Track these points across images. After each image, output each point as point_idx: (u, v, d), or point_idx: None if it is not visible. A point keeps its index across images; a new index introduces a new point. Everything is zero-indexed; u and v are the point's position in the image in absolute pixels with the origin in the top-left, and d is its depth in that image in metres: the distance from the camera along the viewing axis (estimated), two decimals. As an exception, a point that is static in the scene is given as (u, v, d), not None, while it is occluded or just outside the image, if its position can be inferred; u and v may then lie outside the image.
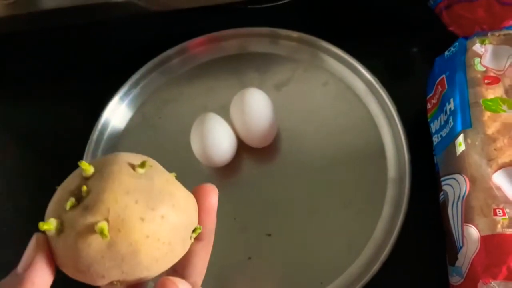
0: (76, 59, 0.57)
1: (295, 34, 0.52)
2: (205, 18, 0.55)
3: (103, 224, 0.22)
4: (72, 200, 0.23)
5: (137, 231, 0.23)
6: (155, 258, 0.24)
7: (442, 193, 0.40)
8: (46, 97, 0.55)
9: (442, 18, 0.46)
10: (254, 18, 0.55)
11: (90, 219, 0.22)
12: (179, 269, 0.27)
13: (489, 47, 0.42)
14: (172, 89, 0.52)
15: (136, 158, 0.25)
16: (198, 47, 0.54)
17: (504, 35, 0.42)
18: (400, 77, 0.53)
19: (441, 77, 0.44)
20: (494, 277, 0.33)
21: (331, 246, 0.43)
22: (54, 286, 0.24)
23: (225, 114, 0.46)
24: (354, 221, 0.44)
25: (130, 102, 0.52)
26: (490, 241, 0.35)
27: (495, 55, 0.41)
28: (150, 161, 0.25)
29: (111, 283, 0.24)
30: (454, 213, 0.38)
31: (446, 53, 0.45)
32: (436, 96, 0.44)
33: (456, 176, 0.38)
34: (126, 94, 0.52)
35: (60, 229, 0.23)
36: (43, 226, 0.23)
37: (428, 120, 0.45)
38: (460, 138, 0.39)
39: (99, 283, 0.24)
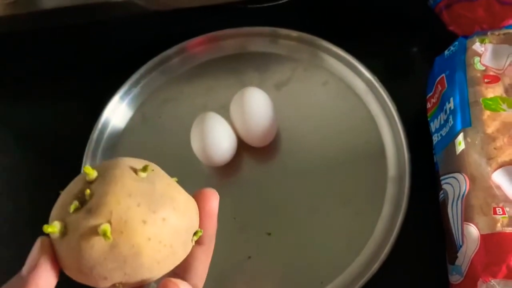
0: (76, 58, 0.57)
1: (294, 33, 0.52)
2: (205, 18, 0.55)
3: (106, 226, 0.22)
4: (75, 203, 0.24)
5: (139, 234, 0.23)
6: (157, 260, 0.24)
7: (442, 192, 0.40)
8: (46, 97, 0.55)
9: (442, 17, 0.46)
10: (254, 17, 0.55)
11: (93, 221, 0.23)
12: (180, 272, 0.27)
13: (489, 46, 0.42)
14: (172, 89, 0.52)
15: (138, 163, 0.25)
16: (198, 46, 0.54)
17: (504, 34, 0.42)
18: (400, 77, 0.53)
19: (441, 76, 0.44)
20: (494, 276, 0.33)
21: (331, 245, 0.43)
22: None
23: (225, 113, 0.46)
24: (354, 220, 0.44)
25: (130, 101, 0.52)
26: (489, 240, 0.35)
27: (495, 54, 0.41)
28: (152, 166, 0.26)
29: (114, 285, 0.24)
30: (454, 212, 0.38)
31: (446, 52, 0.45)
32: (436, 95, 0.44)
33: (456, 175, 0.38)
34: (126, 93, 0.52)
35: (64, 232, 0.23)
36: (47, 228, 0.23)
37: (428, 119, 0.45)
38: (460, 137, 0.39)
39: (101, 285, 0.24)
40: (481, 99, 0.39)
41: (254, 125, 0.45)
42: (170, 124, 0.50)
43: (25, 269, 0.24)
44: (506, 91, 0.40)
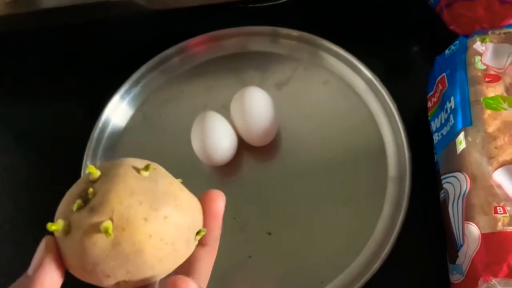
0: (76, 58, 0.57)
1: (295, 32, 0.52)
2: (205, 17, 0.55)
3: (108, 223, 0.23)
4: (78, 202, 0.24)
5: (141, 231, 0.23)
6: (159, 257, 0.24)
7: (442, 191, 0.40)
8: (47, 96, 0.55)
9: (443, 17, 0.46)
10: (254, 17, 0.55)
11: (95, 218, 0.23)
12: (183, 273, 0.27)
13: (490, 46, 0.42)
14: (173, 88, 0.52)
15: (141, 162, 0.26)
16: (198, 46, 0.54)
17: (505, 33, 0.42)
18: (400, 76, 0.53)
19: (441, 76, 0.44)
20: (495, 275, 0.33)
21: (332, 245, 0.43)
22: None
23: (225, 113, 0.46)
24: (355, 219, 0.44)
25: (131, 100, 0.52)
26: (490, 239, 0.35)
27: (496, 53, 0.41)
28: (154, 165, 0.26)
29: (117, 283, 0.24)
30: (454, 211, 0.38)
31: (447, 51, 0.45)
32: (437, 95, 0.44)
33: (457, 174, 0.38)
34: (126, 92, 0.52)
35: (67, 230, 0.24)
36: (51, 226, 0.24)
37: (429, 118, 0.45)
38: (461, 136, 0.39)
39: (105, 284, 0.24)
40: (482, 98, 0.39)
41: (255, 125, 0.45)
42: (171, 123, 0.50)
43: (30, 269, 0.24)
44: (507, 90, 0.40)
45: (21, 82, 0.57)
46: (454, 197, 0.38)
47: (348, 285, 0.41)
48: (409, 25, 0.54)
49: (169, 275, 0.25)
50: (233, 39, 0.54)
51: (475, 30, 0.44)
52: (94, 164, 0.23)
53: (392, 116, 0.47)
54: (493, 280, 0.33)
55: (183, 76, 0.53)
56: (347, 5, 0.56)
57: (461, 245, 0.36)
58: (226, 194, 0.27)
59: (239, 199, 0.46)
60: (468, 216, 0.36)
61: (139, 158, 0.26)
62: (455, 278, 0.37)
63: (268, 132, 0.46)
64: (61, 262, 0.24)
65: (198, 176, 0.47)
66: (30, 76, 0.57)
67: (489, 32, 0.42)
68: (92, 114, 0.50)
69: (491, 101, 0.39)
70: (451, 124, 0.41)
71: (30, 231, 0.48)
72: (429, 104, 0.45)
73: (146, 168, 0.25)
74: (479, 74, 0.41)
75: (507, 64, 0.41)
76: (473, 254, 0.35)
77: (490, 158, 0.37)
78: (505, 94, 0.40)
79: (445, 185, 0.40)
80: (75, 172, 0.48)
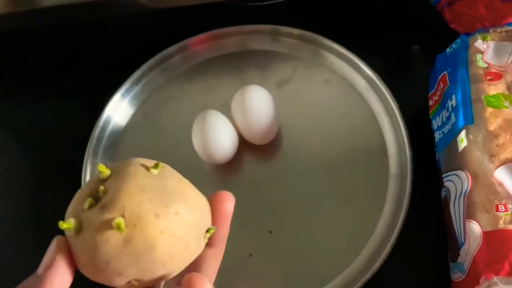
0: (76, 57, 0.57)
1: (296, 31, 0.52)
2: (206, 16, 0.55)
3: (120, 220, 0.23)
4: (89, 200, 0.24)
5: (152, 227, 0.23)
6: (170, 254, 0.24)
7: (444, 189, 0.40)
8: (47, 95, 0.55)
9: (444, 15, 0.46)
10: (255, 15, 0.55)
11: (107, 216, 0.23)
12: None
13: (491, 44, 0.42)
14: (173, 87, 0.52)
15: (150, 161, 0.26)
16: (199, 44, 0.53)
17: (506, 31, 0.42)
18: (401, 75, 0.53)
19: (442, 74, 0.43)
20: (496, 273, 0.33)
21: (333, 243, 0.43)
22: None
23: (226, 111, 0.46)
24: (356, 218, 0.44)
25: (131, 99, 0.52)
26: (492, 237, 0.35)
27: (497, 52, 0.41)
28: (163, 164, 0.26)
29: (129, 282, 0.24)
30: (456, 209, 0.38)
31: (448, 49, 0.45)
32: (438, 93, 0.44)
33: (458, 172, 0.38)
34: (127, 91, 0.51)
35: (79, 228, 0.24)
36: (62, 225, 0.24)
37: (430, 116, 0.45)
38: (462, 134, 0.39)
39: (116, 283, 0.24)
40: (483, 96, 0.39)
41: (255, 123, 0.45)
42: (171, 122, 0.50)
43: (41, 268, 0.24)
44: (508, 88, 0.40)
45: (21, 81, 0.57)
46: (456, 195, 0.38)
47: (349, 283, 0.41)
48: (409, 23, 0.54)
49: (178, 275, 0.25)
50: (233, 37, 0.53)
51: (476, 28, 0.44)
52: (104, 164, 0.23)
53: (393, 115, 0.47)
54: (494, 278, 0.33)
55: (184, 74, 0.53)
56: (347, 3, 0.56)
57: (463, 243, 0.36)
58: (226, 193, 0.27)
59: (240, 197, 0.45)
60: (469, 214, 0.36)
61: (140, 157, 0.27)
62: (457, 276, 0.37)
63: (269, 130, 0.46)
64: (71, 261, 0.24)
65: (199, 175, 0.47)
66: (30, 75, 0.57)
67: (491, 30, 0.42)
68: (92, 113, 0.50)
69: (492, 99, 0.39)
70: (452, 122, 0.41)
71: (30, 231, 0.48)
72: (430, 103, 0.45)
73: (156, 166, 0.25)
74: (481, 72, 0.41)
75: (508, 62, 0.41)
76: (475, 252, 0.35)
77: (492, 156, 0.37)
78: (506, 92, 0.40)
79: (446, 184, 0.40)
80: (75, 171, 0.47)
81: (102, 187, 0.24)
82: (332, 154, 0.47)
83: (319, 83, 0.51)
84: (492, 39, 0.42)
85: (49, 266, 0.24)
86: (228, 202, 0.27)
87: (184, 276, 0.24)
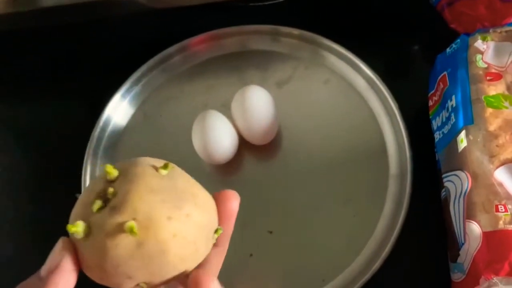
0: (77, 57, 0.57)
1: (296, 31, 0.52)
2: (206, 16, 0.55)
3: (132, 223, 0.22)
4: (98, 202, 0.24)
5: (165, 230, 0.23)
6: (182, 257, 0.24)
7: (443, 189, 0.40)
8: (47, 95, 0.55)
9: (444, 15, 0.46)
10: (255, 15, 0.55)
11: (118, 219, 0.23)
12: None
13: (491, 44, 0.42)
14: (173, 87, 0.52)
15: (158, 161, 0.26)
16: (199, 45, 0.53)
17: (506, 31, 0.42)
18: (401, 75, 0.53)
19: (442, 74, 0.43)
20: (496, 273, 0.33)
21: (333, 243, 0.43)
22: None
23: (226, 111, 0.46)
24: (356, 218, 0.44)
25: (132, 99, 0.52)
26: (492, 237, 0.35)
27: (497, 52, 0.41)
28: (171, 164, 0.26)
29: (137, 285, 0.24)
30: (456, 210, 0.38)
31: (448, 50, 0.45)
32: (438, 93, 0.44)
33: (458, 172, 0.38)
34: (127, 92, 0.51)
35: (88, 232, 0.23)
36: (71, 228, 0.23)
37: (430, 117, 0.45)
38: (462, 134, 0.39)
39: (125, 286, 0.24)
40: (483, 97, 0.39)
41: (255, 123, 0.45)
42: (171, 122, 0.50)
43: (44, 270, 0.23)
44: (508, 88, 0.40)
45: (21, 81, 0.57)
46: (455, 196, 0.38)
47: (350, 283, 0.41)
48: (409, 24, 0.54)
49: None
50: (233, 37, 0.53)
51: (476, 28, 0.44)
52: (112, 164, 0.22)
53: (393, 115, 0.47)
54: (494, 278, 0.33)
55: (184, 75, 0.53)
56: (347, 3, 0.56)
57: (463, 244, 0.36)
58: (226, 193, 0.27)
59: (240, 197, 0.45)
60: (469, 215, 0.36)
61: (148, 157, 0.26)
62: (456, 276, 0.37)
63: (269, 131, 0.46)
64: (77, 264, 0.24)
65: (199, 175, 0.45)
66: (31, 75, 0.57)
67: (490, 31, 0.42)
68: (92, 113, 0.50)
69: (492, 100, 0.39)
70: (452, 123, 0.41)
71: (30, 231, 0.48)
72: (430, 103, 0.45)
73: (165, 166, 0.25)
74: (481, 72, 0.41)
75: (508, 63, 0.41)
76: (475, 253, 0.35)
77: (492, 156, 0.37)
78: (506, 93, 0.40)
79: (446, 184, 0.40)
80: (75, 171, 0.47)
81: (111, 189, 0.24)
82: (332, 154, 0.47)
83: (319, 83, 0.51)
84: (492, 39, 0.42)
85: (54, 269, 0.23)
86: (234, 201, 0.27)
87: (190, 274, 0.24)
